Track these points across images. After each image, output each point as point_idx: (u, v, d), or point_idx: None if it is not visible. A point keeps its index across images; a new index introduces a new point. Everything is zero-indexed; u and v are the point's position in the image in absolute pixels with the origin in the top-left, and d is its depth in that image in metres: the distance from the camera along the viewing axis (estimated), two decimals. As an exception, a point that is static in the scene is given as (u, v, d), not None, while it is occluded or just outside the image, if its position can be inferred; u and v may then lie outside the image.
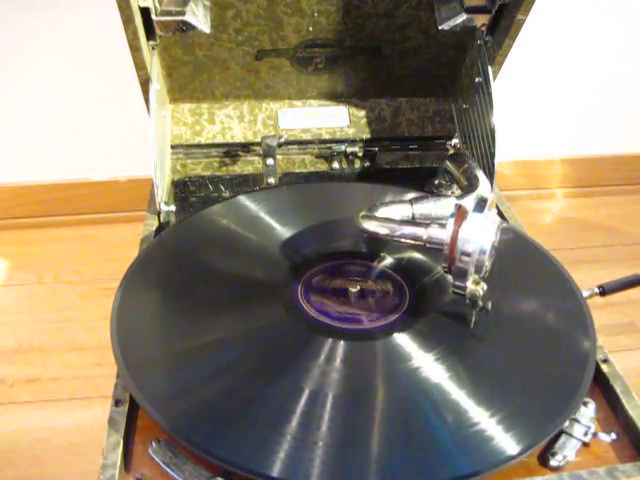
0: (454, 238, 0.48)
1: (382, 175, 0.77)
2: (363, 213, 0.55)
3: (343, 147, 0.76)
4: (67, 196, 1.12)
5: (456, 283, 0.49)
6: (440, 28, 0.67)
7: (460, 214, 0.48)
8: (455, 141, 0.78)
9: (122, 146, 1.06)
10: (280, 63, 0.72)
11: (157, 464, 0.41)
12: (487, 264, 0.48)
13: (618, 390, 0.46)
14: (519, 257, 0.60)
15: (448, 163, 0.67)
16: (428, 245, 0.51)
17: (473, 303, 0.49)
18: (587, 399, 0.46)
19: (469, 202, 0.49)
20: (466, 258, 0.47)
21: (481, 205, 0.48)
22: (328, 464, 0.40)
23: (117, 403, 0.45)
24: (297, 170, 0.78)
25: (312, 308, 0.53)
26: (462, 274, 0.48)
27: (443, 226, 0.49)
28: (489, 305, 0.49)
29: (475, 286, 0.48)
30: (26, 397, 0.83)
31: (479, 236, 0.47)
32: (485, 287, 0.48)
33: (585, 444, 0.44)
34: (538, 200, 1.26)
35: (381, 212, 0.55)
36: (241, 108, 0.76)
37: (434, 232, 0.50)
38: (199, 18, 0.62)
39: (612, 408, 0.47)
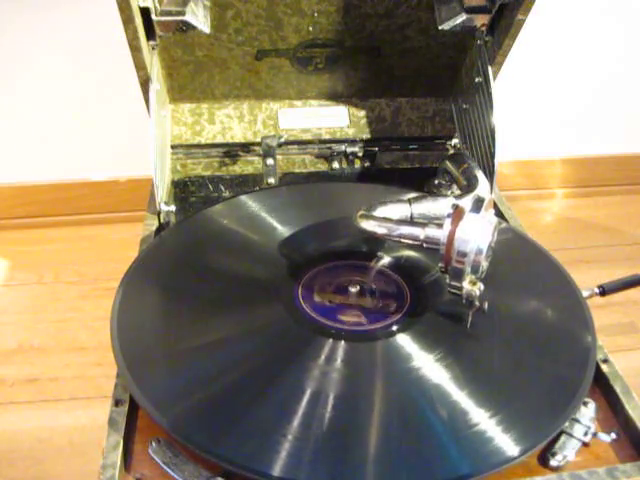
0: (450, 238, 0.47)
1: (382, 175, 0.77)
2: (361, 212, 0.54)
3: (343, 147, 0.76)
4: (67, 196, 1.12)
5: (452, 283, 0.49)
6: (440, 28, 0.67)
7: (457, 214, 0.48)
8: (455, 141, 0.78)
9: (122, 146, 1.06)
10: (280, 63, 0.72)
11: (157, 464, 0.41)
12: (484, 264, 0.48)
13: (618, 390, 0.46)
14: (519, 257, 0.60)
15: (448, 163, 0.67)
16: (425, 245, 0.51)
17: (470, 303, 0.49)
18: (587, 399, 0.45)
19: (467, 202, 0.49)
20: (462, 258, 0.47)
21: (478, 205, 0.48)
22: (328, 464, 0.40)
23: (117, 403, 0.45)
24: (297, 170, 0.78)
25: (312, 308, 0.53)
26: (458, 274, 0.48)
27: (441, 226, 0.49)
28: (485, 305, 0.49)
29: (472, 286, 0.48)
30: (26, 397, 0.83)
31: (476, 236, 0.47)
32: (482, 287, 0.48)
33: (585, 444, 0.44)
34: (538, 200, 1.26)
35: (379, 211, 0.55)
36: (241, 108, 0.76)
37: (431, 232, 0.50)
38: (199, 18, 0.62)
39: (612, 408, 0.47)
